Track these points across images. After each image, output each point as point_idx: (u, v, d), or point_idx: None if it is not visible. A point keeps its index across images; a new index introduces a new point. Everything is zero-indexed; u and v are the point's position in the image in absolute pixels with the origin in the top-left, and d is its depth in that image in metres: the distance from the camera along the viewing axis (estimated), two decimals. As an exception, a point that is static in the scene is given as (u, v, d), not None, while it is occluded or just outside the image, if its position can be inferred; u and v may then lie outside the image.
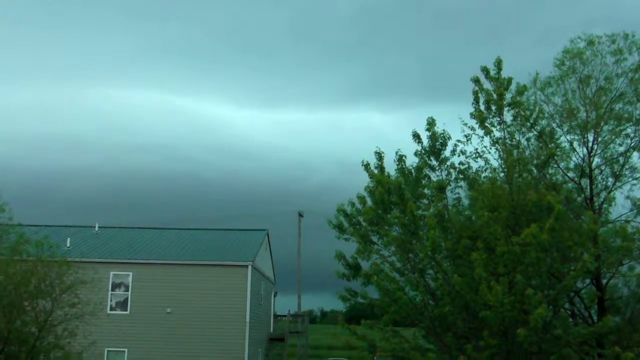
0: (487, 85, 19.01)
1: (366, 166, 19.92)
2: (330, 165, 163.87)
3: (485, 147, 18.99)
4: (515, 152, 18.70)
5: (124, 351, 34.43)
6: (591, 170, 21.42)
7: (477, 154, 19.19)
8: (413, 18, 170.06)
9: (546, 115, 21.55)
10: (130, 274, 35.64)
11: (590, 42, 21.85)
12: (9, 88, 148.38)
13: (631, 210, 21.25)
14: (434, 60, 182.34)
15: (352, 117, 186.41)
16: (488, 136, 18.85)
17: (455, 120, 19.18)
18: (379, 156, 20.05)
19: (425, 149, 19.34)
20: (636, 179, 21.43)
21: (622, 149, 21.50)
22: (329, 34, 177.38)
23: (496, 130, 18.88)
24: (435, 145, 19.16)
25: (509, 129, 19.01)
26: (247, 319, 34.94)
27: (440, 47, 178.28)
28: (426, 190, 19.49)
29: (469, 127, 19.01)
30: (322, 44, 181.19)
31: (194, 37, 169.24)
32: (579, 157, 21.73)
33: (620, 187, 21.49)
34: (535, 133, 20.36)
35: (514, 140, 19.04)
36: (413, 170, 19.50)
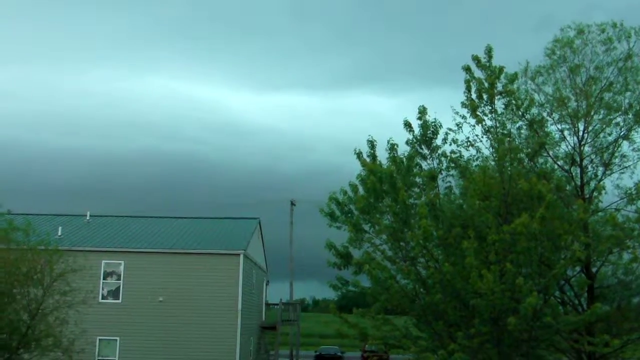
0: (478, 73, 19.02)
1: (358, 154, 19.92)
2: (328, 148, 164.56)
3: (476, 135, 19.03)
4: (506, 140, 18.74)
5: (116, 340, 34.46)
6: (581, 159, 21.52)
7: (468, 143, 19.23)
8: (413, 2, 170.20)
9: (537, 104, 21.62)
10: (122, 262, 35.60)
11: (580, 31, 21.88)
12: (5, 66, 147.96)
13: (621, 198, 21.37)
14: (433, 44, 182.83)
15: (350, 100, 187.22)
16: (479, 125, 18.88)
17: (450, 106, 19.22)
18: (371, 144, 20.05)
19: (416, 138, 19.36)
20: (626, 167, 21.54)
21: (611, 138, 21.61)
22: (327, 18, 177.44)
23: (487, 119, 18.91)
24: (426, 134, 19.18)
25: (500, 118, 19.04)
26: (239, 308, 35.00)
27: (440, 31, 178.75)
28: (418, 179, 19.53)
29: (460, 115, 19.05)
30: (320, 27, 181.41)
31: (193, 19, 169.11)
32: (570, 145, 21.82)
33: (610, 175, 21.60)
34: (526, 122, 20.41)
35: (505, 129, 19.07)
36: (404, 159, 19.53)
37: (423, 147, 19.38)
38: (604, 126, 21.55)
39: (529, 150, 20.13)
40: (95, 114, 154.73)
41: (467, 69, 18.98)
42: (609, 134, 21.62)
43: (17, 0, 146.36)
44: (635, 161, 21.54)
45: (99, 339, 33.98)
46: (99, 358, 34.10)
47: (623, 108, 21.38)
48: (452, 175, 19.61)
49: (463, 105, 18.94)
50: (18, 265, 23.30)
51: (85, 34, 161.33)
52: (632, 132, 21.47)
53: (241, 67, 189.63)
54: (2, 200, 25.07)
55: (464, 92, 19.07)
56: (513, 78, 19.26)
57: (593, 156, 21.77)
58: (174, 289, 35.18)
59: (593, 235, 19.89)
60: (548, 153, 21.50)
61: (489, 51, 18.87)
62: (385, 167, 19.35)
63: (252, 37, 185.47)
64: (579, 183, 21.52)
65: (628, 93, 21.43)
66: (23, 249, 23.93)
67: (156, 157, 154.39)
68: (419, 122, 19.16)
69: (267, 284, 48.33)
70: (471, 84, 18.95)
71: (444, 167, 19.40)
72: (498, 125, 18.89)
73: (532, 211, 16.89)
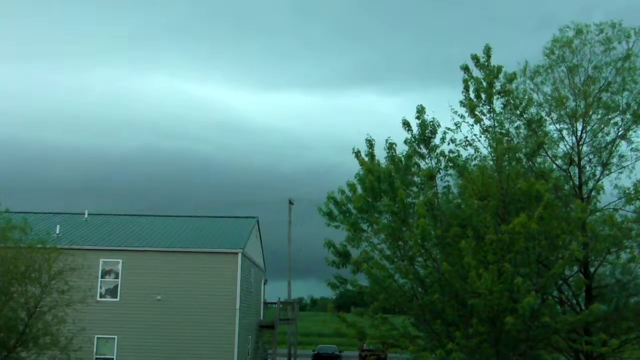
0: (476, 73, 19.00)
1: (357, 154, 19.90)
2: (327, 147, 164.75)
3: (475, 135, 19.02)
4: (504, 140, 18.73)
5: (114, 338, 34.43)
6: (580, 158, 21.53)
7: (466, 142, 19.22)
8: (414, 2, 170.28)
9: (535, 103, 21.63)
10: (120, 261, 35.57)
11: (579, 31, 21.91)
12: (5, 65, 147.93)
13: (619, 198, 21.39)
14: (433, 44, 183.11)
15: (350, 99, 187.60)
16: (478, 124, 18.86)
17: (449, 106, 19.19)
18: (370, 144, 20.03)
19: (415, 137, 19.35)
20: (624, 167, 21.57)
21: (610, 137, 21.63)
22: (328, 18, 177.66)
23: (486, 118, 18.90)
24: (424, 133, 19.16)
25: (498, 118, 19.03)
26: (237, 307, 34.98)
27: (440, 31, 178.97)
28: (416, 178, 19.52)
29: (458, 115, 19.03)
30: (320, 27, 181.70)
31: (193, 18, 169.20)
32: (568, 145, 21.84)
33: (608, 175, 21.63)
34: (525, 121, 20.41)
35: (503, 128, 19.07)
36: (403, 158, 19.52)
37: (421, 146, 19.35)
38: (602, 126, 21.58)
39: (527, 149, 20.13)
40: (95, 113, 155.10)
41: (466, 69, 18.97)
42: (607, 134, 21.66)
43: (17, 0, 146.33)
44: (634, 161, 21.62)
45: (97, 338, 33.93)
46: (97, 356, 34.07)
47: (621, 108, 21.42)
48: (451, 175, 19.61)
49: (461, 104, 18.94)
50: (16, 263, 23.28)
51: (85, 33, 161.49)
52: (630, 132, 21.53)
53: (241, 66, 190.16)
54: (0, 199, 25.06)
55: (462, 92, 19.07)
56: (511, 77, 19.26)
57: (591, 156, 21.80)
58: (172, 287, 35.16)
59: (591, 235, 19.91)
60: (546, 153, 21.53)
61: (487, 50, 18.85)
62: (383, 166, 19.34)
63: (252, 36, 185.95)
64: (577, 183, 21.54)
65: (626, 93, 21.47)
66: (21, 247, 23.90)
67: (156, 155, 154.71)
68: (418, 121, 19.15)
69: (265, 283, 48.32)
70: (469, 83, 18.95)
71: (442, 166, 19.38)
72: (496, 124, 18.88)
73: (530, 211, 16.89)
